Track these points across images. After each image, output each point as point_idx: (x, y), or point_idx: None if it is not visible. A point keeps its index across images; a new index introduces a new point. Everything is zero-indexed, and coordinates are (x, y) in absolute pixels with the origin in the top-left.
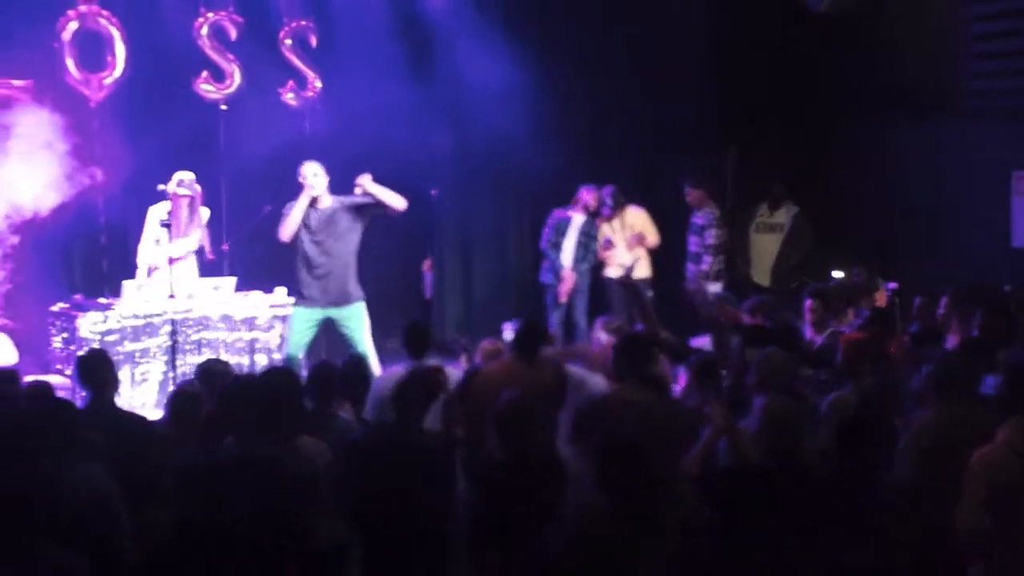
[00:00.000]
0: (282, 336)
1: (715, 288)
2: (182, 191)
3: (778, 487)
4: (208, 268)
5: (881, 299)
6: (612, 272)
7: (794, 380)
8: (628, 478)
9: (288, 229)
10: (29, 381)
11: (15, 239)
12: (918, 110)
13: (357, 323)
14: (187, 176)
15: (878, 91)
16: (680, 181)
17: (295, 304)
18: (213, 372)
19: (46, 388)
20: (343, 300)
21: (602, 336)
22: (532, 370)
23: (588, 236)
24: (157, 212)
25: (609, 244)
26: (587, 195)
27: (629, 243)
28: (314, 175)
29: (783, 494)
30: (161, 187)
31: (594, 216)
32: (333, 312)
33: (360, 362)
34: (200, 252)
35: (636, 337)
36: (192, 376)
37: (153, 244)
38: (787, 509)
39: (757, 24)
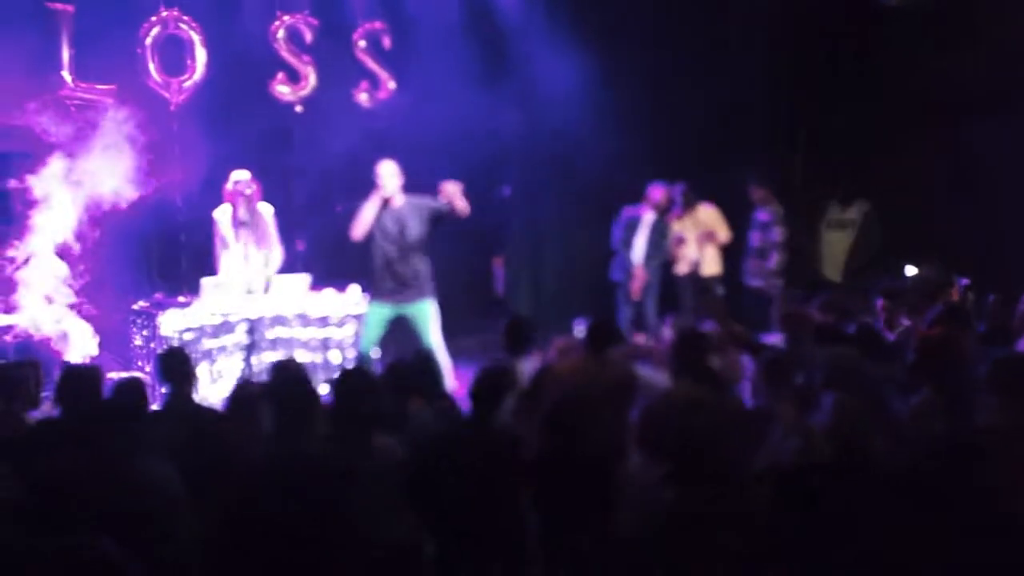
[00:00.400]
0: (356, 333)
1: (779, 284)
2: (246, 190)
3: (849, 485)
4: (282, 266)
5: (955, 295)
6: (683, 269)
7: (865, 378)
8: (690, 477)
9: (360, 228)
10: (119, 377)
11: (96, 234)
12: (993, 106)
13: (428, 320)
14: (243, 175)
15: (952, 87)
16: (745, 179)
17: (369, 301)
18: (286, 370)
19: (135, 383)
20: (415, 297)
21: (668, 333)
22: (602, 369)
23: (659, 234)
24: (220, 215)
25: (680, 241)
26: (657, 193)
27: (699, 240)
28: (389, 175)
29: (853, 492)
30: (240, 187)
31: (664, 214)
32: (406, 309)
33: (429, 357)
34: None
35: (691, 333)
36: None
37: (226, 247)
38: (857, 508)
39: (826, 18)
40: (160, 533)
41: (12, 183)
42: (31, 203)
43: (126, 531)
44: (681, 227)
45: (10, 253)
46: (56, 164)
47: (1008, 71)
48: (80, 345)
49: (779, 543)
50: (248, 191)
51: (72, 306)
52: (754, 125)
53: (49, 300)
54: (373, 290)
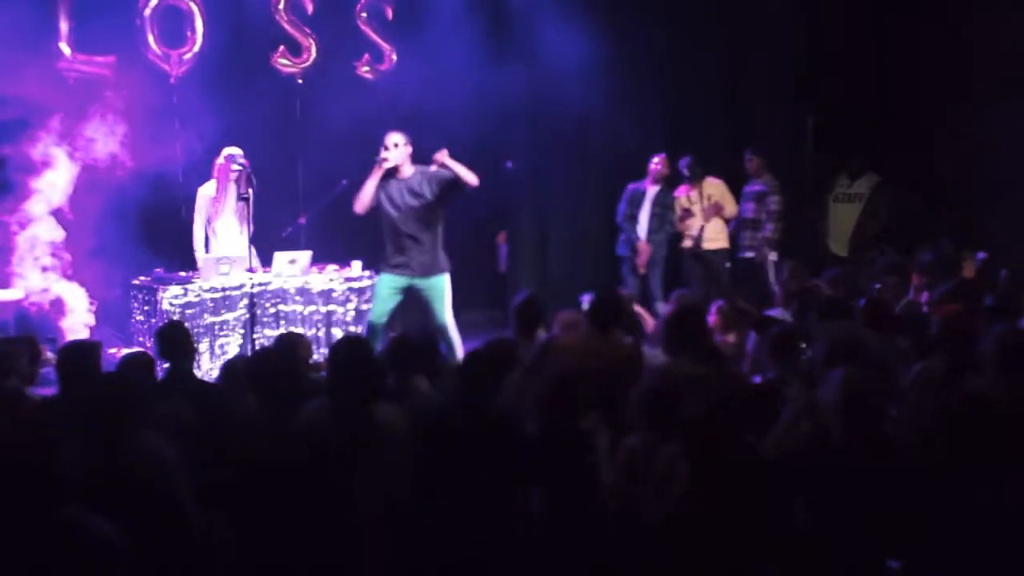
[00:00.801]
0: (356, 309)
1: (773, 256)
2: (234, 166)
3: (863, 464)
4: (285, 241)
5: (969, 270)
6: (688, 243)
7: (868, 351)
8: (696, 455)
9: (361, 202)
10: (127, 352)
11: (94, 204)
12: (1010, 82)
13: (439, 294)
14: (235, 151)
15: (967, 62)
16: (747, 149)
17: (381, 271)
18: (292, 344)
19: (143, 357)
20: (429, 271)
21: (665, 309)
22: (607, 344)
23: (663, 207)
24: (206, 189)
25: (687, 215)
26: (657, 164)
27: (707, 214)
28: (394, 145)
29: (866, 470)
30: (239, 161)
31: (669, 186)
32: (418, 281)
33: (434, 335)
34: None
35: (689, 308)
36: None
37: (203, 225)
38: (872, 486)
39: None
40: (158, 508)
41: (8, 149)
42: (28, 168)
43: (126, 509)
44: (687, 201)
45: (8, 219)
46: (54, 129)
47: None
48: (77, 313)
49: (791, 524)
50: (236, 167)
51: (68, 275)
52: (764, 99)
53: (44, 269)
54: (383, 261)
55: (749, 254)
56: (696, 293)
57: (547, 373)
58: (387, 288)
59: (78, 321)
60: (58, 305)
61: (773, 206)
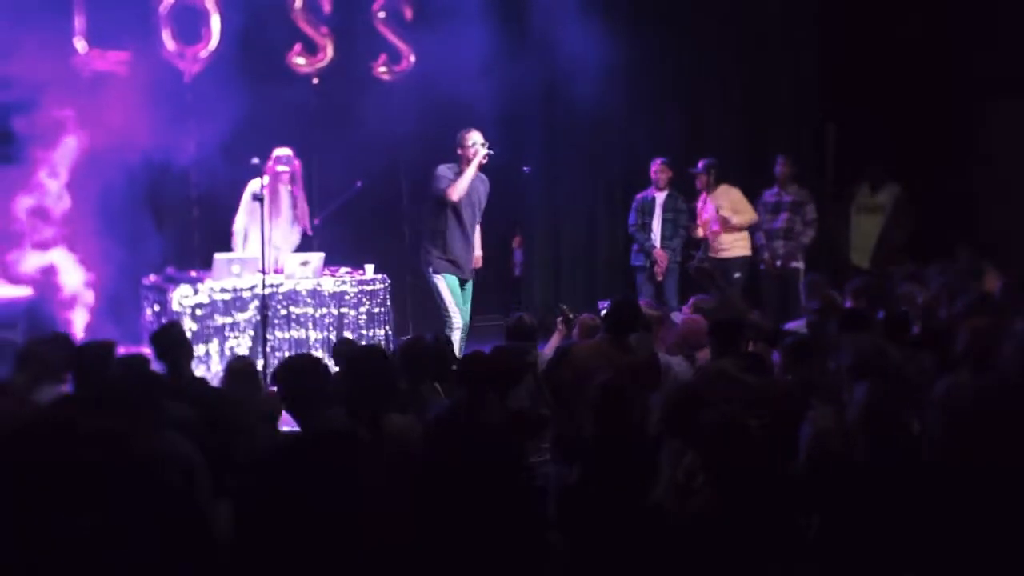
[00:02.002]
0: (368, 312)
1: (799, 265)
2: (280, 167)
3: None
4: (298, 244)
5: (992, 283)
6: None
7: (891, 364)
8: (738, 461)
9: (459, 191)
10: (124, 353)
11: (104, 200)
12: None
13: (470, 296)
14: (284, 152)
15: (986, 72)
16: (778, 155)
17: (443, 273)
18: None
19: (141, 359)
20: (472, 270)
21: (679, 318)
22: (624, 352)
23: (675, 211)
24: (253, 187)
25: (697, 224)
26: (655, 170)
27: (711, 224)
28: (472, 144)
29: (892, 488)
30: (255, 161)
31: (678, 190)
32: (466, 282)
33: (448, 341)
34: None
35: (730, 317)
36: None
37: (246, 217)
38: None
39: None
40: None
41: (18, 124)
42: (36, 143)
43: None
44: (702, 207)
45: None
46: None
47: None
48: (78, 298)
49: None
50: (286, 168)
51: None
52: (783, 106)
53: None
54: (446, 260)
55: (794, 264)
56: (712, 299)
57: (596, 381)
58: (456, 287)
59: (83, 310)
60: (51, 273)
61: (811, 215)
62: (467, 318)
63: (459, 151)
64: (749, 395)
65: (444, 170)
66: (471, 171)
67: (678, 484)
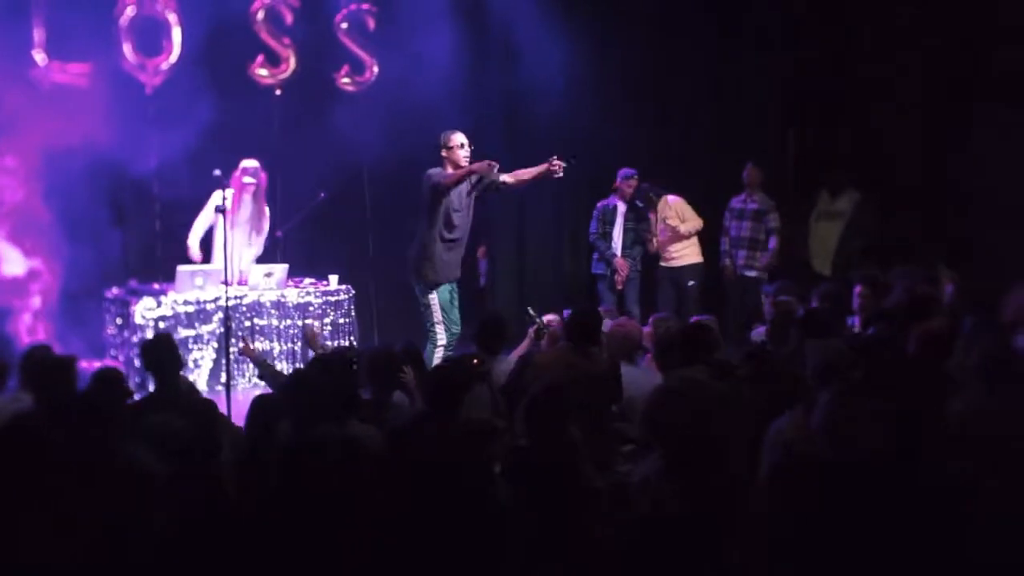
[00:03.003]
0: (333, 323)
1: (758, 274)
2: (247, 179)
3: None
4: (261, 255)
5: (944, 288)
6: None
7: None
8: (706, 468)
9: (458, 176)
10: (97, 366)
11: (64, 214)
12: (996, 98)
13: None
14: (252, 164)
15: (950, 76)
16: (744, 161)
17: (437, 287)
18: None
19: (114, 372)
20: (459, 272)
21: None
22: (586, 360)
23: (637, 220)
24: (217, 199)
25: (650, 235)
26: (620, 181)
27: (664, 234)
28: (461, 145)
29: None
30: (217, 173)
31: (635, 201)
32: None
33: (417, 350)
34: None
35: (699, 325)
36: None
37: (204, 228)
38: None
39: (823, 5)
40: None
41: None
42: None
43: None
44: (654, 220)
45: None
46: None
47: (1008, 56)
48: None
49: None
50: (248, 180)
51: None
52: (748, 115)
53: None
54: (437, 270)
55: (750, 273)
56: (670, 316)
57: (532, 387)
58: (447, 295)
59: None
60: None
61: (773, 223)
62: (459, 326)
63: (443, 153)
64: (717, 402)
65: (433, 172)
66: (466, 170)
67: (648, 489)
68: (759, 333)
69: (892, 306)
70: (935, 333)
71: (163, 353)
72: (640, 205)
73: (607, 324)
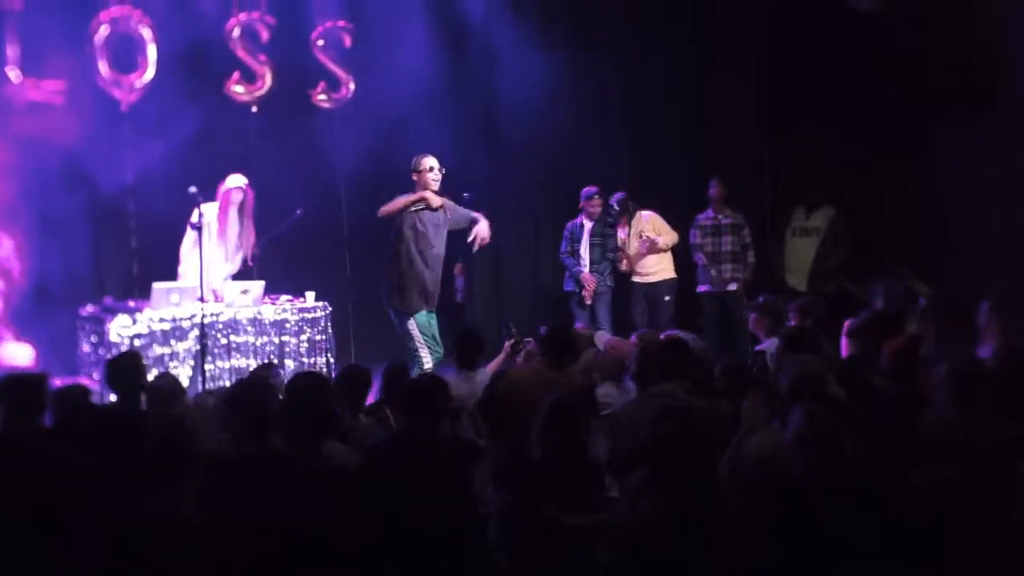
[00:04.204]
0: (310, 340)
1: (737, 288)
2: (234, 194)
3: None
4: (238, 271)
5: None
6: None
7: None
8: (682, 480)
9: (388, 211)
10: (61, 385)
11: (40, 231)
12: (967, 112)
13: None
14: (240, 180)
15: (927, 92)
16: (714, 177)
17: (415, 313)
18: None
19: (80, 390)
20: (436, 300)
21: (604, 337)
22: (560, 376)
23: (603, 236)
24: (204, 210)
25: (620, 250)
26: (583, 201)
27: (640, 249)
28: (431, 169)
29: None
30: (193, 189)
31: (603, 219)
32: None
33: (402, 367)
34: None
35: (675, 339)
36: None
37: (191, 246)
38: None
39: (800, 23)
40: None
41: None
42: None
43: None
44: (626, 235)
45: None
46: None
47: (983, 72)
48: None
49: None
50: (236, 197)
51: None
52: (724, 133)
53: None
54: (414, 296)
55: (733, 286)
56: (650, 332)
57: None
58: (426, 322)
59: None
60: None
61: (749, 238)
62: (441, 348)
63: (414, 176)
64: (697, 418)
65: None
66: (408, 200)
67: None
68: (770, 345)
69: (859, 324)
70: (901, 348)
71: (127, 371)
72: (615, 211)
73: (600, 340)
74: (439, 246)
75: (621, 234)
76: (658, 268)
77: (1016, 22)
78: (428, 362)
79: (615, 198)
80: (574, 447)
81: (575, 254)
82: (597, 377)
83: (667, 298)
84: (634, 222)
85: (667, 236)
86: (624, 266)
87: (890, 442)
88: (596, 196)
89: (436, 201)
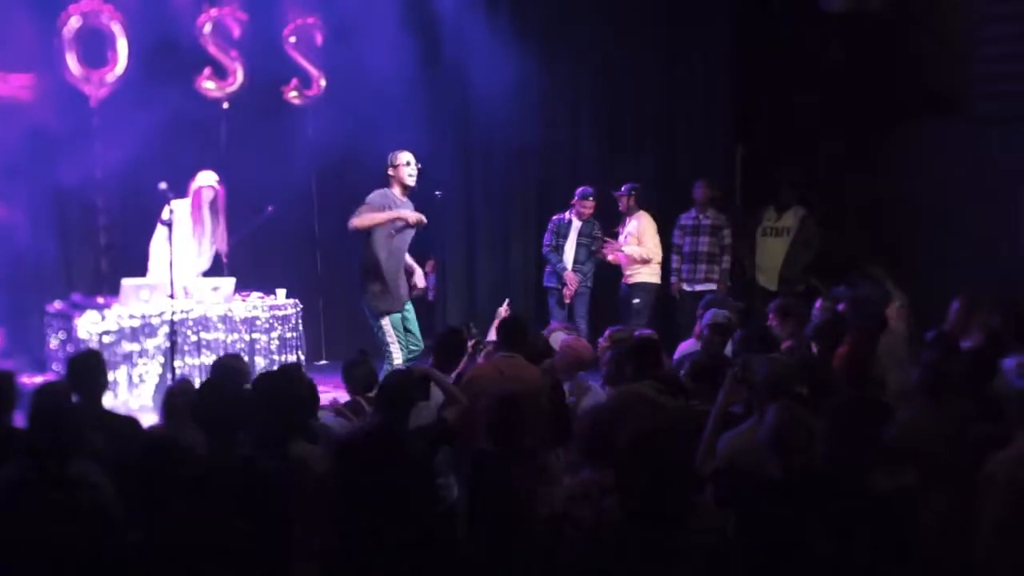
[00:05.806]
0: (280, 338)
1: (711, 287)
2: (206, 190)
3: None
4: (208, 268)
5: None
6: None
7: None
8: (655, 479)
9: (361, 226)
10: (38, 382)
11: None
12: (933, 114)
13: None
14: (211, 176)
15: (894, 95)
16: (696, 178)
17: (389, 312)
18: (231, 369)
19: (59, 386)
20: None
21: (560, 337)
22: (519, 369)
23: (589, 237)
24: (175, 207)
25: (602, 249)
26: (578, 201)
27: (606, 251)
28: (407, 163)
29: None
30: (163, 186)
31: (595, 217)
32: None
33: (362, 359)
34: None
35: (647, 339)
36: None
37: (162, 242)
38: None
39: (772, 26)
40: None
41: None
42: None
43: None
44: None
45: None
46: None
47: (951, 77)
48: None
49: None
50: (207, 196)
51: None
52: (695, 130)
53: None
54: (390, 296)
55: (707, 286)
56: (627, 330)
57: (490, 395)
58: (398, 319)
59: None
60: None
61: (728, 239)
62: (421, 342)
63: (390, 171)
64: (665, 417)
65: (374, 197)
66: (392, 215)
67: (575, 496)
68: (690, 346)
69: (816, 327)
70: (850, 352)
71: (90, 370)
72: (624, 202)
73: (558, 340)
74: (406, 246)
75: (620, 226)
76: (637, 271)
77: (984, 20)
78: (398, 358)
79: (624, 187)
80: (522, 439)
81: (558, 250)
82: (562, 374)
83: (636, 300)
84: (632, 218)
85: (644, 249)
86: (609, 258)
87: (851, 444)
88: (590, 198)
89: (412, 218)
